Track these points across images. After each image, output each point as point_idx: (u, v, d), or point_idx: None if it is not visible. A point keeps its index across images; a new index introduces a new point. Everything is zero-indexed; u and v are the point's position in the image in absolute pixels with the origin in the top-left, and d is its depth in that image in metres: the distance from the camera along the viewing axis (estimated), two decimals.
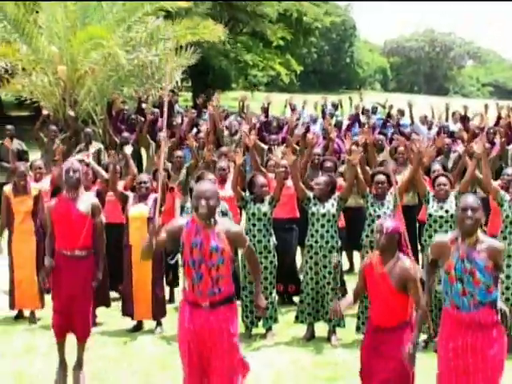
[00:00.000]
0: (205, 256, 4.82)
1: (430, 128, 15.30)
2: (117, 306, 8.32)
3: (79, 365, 6.37)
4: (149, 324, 8.04)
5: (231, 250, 4.95)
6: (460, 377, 4.86)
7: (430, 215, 7.78)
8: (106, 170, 8.84)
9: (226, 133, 12.66)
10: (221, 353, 4.90)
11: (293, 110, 15.60)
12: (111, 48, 13.04)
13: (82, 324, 6.32)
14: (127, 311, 7.98)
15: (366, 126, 11.84)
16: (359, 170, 7.84)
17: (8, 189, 8.43)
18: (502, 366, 4.90)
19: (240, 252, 5.08)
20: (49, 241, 6.42)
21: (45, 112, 13.08)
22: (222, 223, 4.98)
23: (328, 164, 9.05)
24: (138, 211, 7.85)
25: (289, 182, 8.43)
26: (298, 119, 14.11)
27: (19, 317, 8.38)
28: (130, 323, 8.03)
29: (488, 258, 4.82)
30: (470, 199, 4.96)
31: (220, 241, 4.86)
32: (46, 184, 8.99)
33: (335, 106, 17.86)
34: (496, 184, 7.87)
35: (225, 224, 5.02)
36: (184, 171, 9.86)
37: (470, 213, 4.82)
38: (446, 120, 15.53)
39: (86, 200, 6.40)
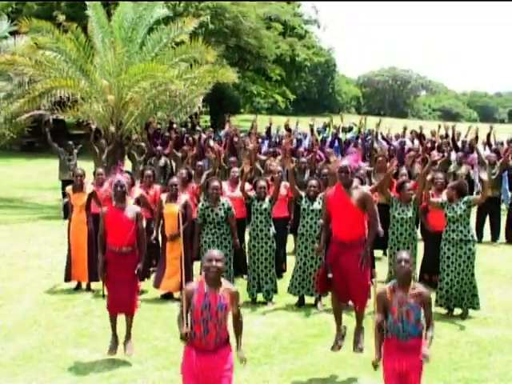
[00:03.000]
0: (212, 314, 4.45)
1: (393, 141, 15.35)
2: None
3: (128, 336, 6.17)
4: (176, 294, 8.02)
5: (231, 305, 4.55)
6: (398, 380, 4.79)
7: (394, 216, 7.78)
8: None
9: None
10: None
11: (288, 130, 15.50)
12: (165, 77, 12.94)
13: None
14: (156, 284, 7.91)
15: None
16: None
17: (69, 187, 8.38)
18: (421, 370, 4.78)
19: (236, 289, 4.65)
20: (100, 239, 6.20)
21: (93, 126, 13.33)
22: (224, 284, 4.55)
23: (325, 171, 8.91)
24: (170, 209, 7.86)
25: (282, 189, 8.41)
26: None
27: (78, 288, 8.33)
28: (162, 292, 8.02)
29: (418, 302, 4.70)
30: (403, 254, 4.78)
31: (224, 299, 4.49)
32: (106, 187, 8.56)
33: (324, 127, 18.04)
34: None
35: (226, 284, 4.57)
36: (204, 176, 9.84)
37: (403, 263, 4.67)
38: (404, 136, 15.56)
39: (132, 209, 6.17)
